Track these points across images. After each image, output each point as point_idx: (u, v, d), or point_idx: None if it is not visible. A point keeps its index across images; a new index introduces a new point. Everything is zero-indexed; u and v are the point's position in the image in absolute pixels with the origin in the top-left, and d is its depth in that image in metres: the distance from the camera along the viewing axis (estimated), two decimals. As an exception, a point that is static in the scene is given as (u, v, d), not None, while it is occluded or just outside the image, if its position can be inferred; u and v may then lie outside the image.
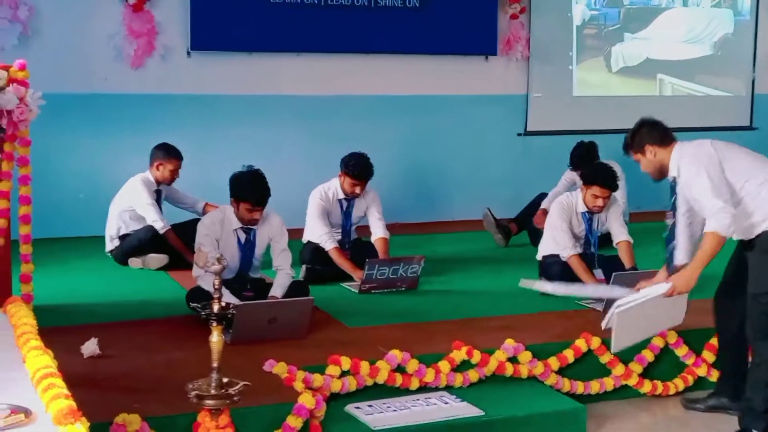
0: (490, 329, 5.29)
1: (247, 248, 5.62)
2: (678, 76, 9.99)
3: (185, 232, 7.00)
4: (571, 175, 7.78)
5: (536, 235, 6.88)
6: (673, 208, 4.73)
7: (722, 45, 10.14)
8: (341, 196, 6.62)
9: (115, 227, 6.96)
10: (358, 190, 6.56)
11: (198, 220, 6.06)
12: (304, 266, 6.46)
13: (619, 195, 6.57)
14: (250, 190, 5.43)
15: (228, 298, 5.04)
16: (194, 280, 5.49)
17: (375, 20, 8.64)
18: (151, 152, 7.01)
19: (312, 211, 6.58)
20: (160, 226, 6.81)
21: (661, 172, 4.74)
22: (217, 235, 5.52)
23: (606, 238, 6.50)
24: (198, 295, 5.23)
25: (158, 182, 7.01)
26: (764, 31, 10.24)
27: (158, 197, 7.04)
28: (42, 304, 5.26)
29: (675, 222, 4.73)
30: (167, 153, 6.98)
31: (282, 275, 5.58)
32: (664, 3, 9.91)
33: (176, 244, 6.80)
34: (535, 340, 5.07)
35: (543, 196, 7.71)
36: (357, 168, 6.50)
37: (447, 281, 6.61)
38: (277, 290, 5.48)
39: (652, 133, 4.74)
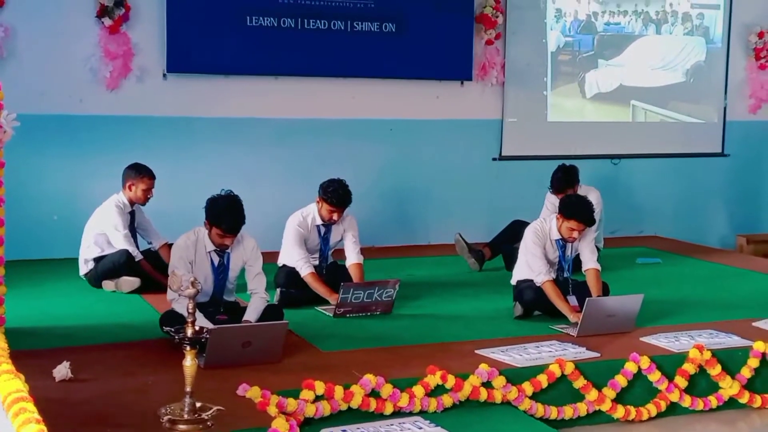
0: (464, 354, 5.29)
1: (220, 271, 5.60)
2: (651, 102, 10.09)
3: (156, 257, 7.02)
4: (554, 199, 7.79)
5: (511, 260, 6.89)
6: None
7: (694, 72, 10.26)
8: (319, 222, 6.62)
9: (89, 251, 6.92)
10: (335, 216, 6.56)
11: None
12: (278, 290, 6.44)
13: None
14: (224, 216, 5.42)
15: (201, 321, 5.02)
16: (168, 304, 5.47)
17: (352, 44, 8.68)
18: (123, 172, 6.99)
19: (288, 236, 6.56)
20: (135, 254, 6.82)
21: None
22: (191, 257, 5.51)
23: (579, 263, 6.52)
24: (172, 318, 5.21)
25: (132, 202, 6.98)
26: (735, 59, 10.38)
27: (132, 219, 7.01)
28: (14, 327, 5.22)
29: None
30: (138, 172, 6.95)
31: (256, 299, 5.56)
32: (637, 30, 10.02)
33: (151, 272, 6.79)
34: (510, 365, 5.08)
35: (518, 222, 7.69)
36: (335, 195, 6.50)
37: (422, 305, 6.61)
38: (251, 314, 5.46)
39: None
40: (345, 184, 6.55)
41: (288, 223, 6.60)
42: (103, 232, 6.89)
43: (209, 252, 5.56)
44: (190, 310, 3.53)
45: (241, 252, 5.64)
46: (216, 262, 5.58)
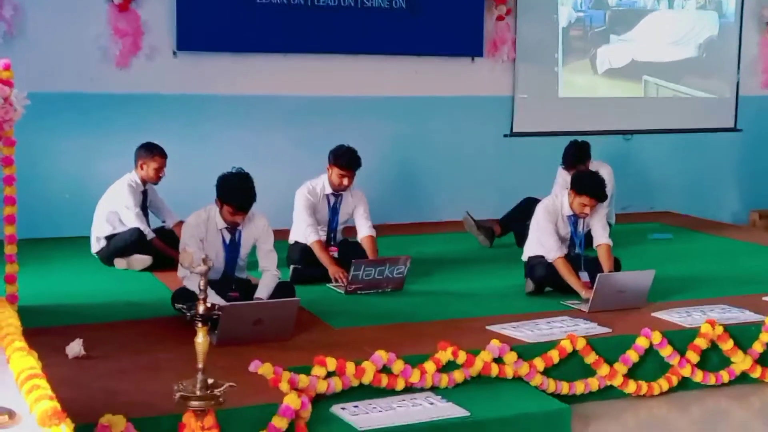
0: (475, 330, 5.29)
1: (232, 248, 5.61)
2: (663, 77, 10.04)
3: (171, 235, 7.03)
4: (565, 175, 7.75)
5: (522, 237, 6.87)
6: None
7: (707, 47, 10.19)
8: (329, 191, 6.63)
9: (101, 228, 6.94)
10: (346, 181, 6.57)
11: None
12: (291, 267, 6.45)
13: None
14: (235, 194, 5.42)
15: (213, 298, 5.04)
16: (180, 281, 5.49)
17: (361, 21, 8.64)
18: (135, 152, 7.00)
19: (298, 204, 6.58)
20: (147, 232, 6.83)
21: None
22: (202, 235, 5.52)
23: (591, 239, 6.50)
24: (183, 295, 5.23)
25: (144, 182, 7.00)
26: (748, 34, 10.31)
27: (144, 198, 7.03)
28: (27, 305, 5.25)
29: None
30: (150, 151, 6.96)
31: (268, 276, 5.57)
32: (649, 5, 9.95)
33: (163, 249, 6.80)
34: (521, 341, 5.08)
35: (530, 199, 7.65)
36: (345, 158, 6.52)
37: (433, 282, 6.62)
38: (263, 291, 5.47)
39: None
40: (354, 149, 6.57)
41: (297, 192, 6.62)
42: (115, 210, 6.91)
43: (220, 229, 5.57)
44: (202, 287, 3.53)
45: (252, 229, 5.64)
46: (227, 240, 5.59)
